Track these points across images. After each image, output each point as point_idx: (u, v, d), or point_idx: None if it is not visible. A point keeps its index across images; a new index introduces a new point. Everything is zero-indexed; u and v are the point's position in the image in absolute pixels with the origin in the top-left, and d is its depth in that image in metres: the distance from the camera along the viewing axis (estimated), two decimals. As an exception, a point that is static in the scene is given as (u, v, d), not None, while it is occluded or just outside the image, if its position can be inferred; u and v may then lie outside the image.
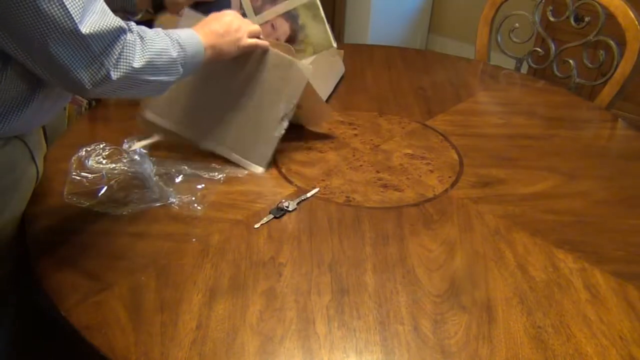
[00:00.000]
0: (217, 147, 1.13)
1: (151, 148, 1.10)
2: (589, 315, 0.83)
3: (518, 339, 0.78)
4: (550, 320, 0.82)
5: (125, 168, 1.05)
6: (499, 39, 1.76)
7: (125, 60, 0.81)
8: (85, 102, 1.82)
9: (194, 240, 0.93)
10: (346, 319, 0.80)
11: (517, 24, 1.68)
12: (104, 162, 1.06)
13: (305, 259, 0.90)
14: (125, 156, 1.06)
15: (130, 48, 0.81)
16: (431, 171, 1.15)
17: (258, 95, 1.12)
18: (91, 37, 0.76)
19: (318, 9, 1.17)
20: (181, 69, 0.91)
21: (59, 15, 0.73)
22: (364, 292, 0.85)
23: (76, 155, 1.06)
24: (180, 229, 0.95)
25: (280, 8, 1.18)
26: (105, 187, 1.01)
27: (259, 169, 1.11)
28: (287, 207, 1.01)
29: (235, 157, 1.12)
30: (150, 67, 0.85)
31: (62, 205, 0.98)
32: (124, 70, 0.81)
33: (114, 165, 1.06)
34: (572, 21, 1.64)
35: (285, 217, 0.99)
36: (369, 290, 0.85)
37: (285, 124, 1.11)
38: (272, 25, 1.20)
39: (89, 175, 1.03)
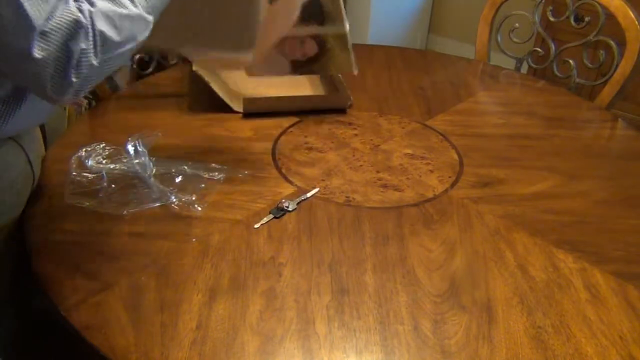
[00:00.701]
0: (197, 50, 1.12)
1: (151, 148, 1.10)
2: (589, 315, 0.83)
3: (518, 339, 0.78)
4: (550, 320, 0.82)
5: (125, 168, 1.05)
6: (499, 39, 1.76)
7: (85, 60, 0.72)
8: (85, 102, 1.82)
9: (194, 240, 0.93)
10: (346, 319, 0.80)
11: (517, 24, 1.68)
12: (104, 162, 1.06)
13: (305, 259, 0.90)
14: (125, 156, 1.06)
15: (88, 47, 0.71)
16: (431, 171, 1.15)
17: None
18: (51, 54, 0.69)
19: (347, 41, 1.19)
20: (151, 18, 0.79)
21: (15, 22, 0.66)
22: (364, 292, 0.85)
23: (76, 155, 1.06)
24: (180, 229, 0.95)
25: (312, 30, 1.20)
26: (106, 187, 1.01)
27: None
28: (287, 207, 1.01)
29: (218, 54, 1.11)
30: (108, 44, 0.73)
31: (62, 205, 0.98)
32: (86, 70, 0.72)
33: (114, 165, 1.06)
34: (572, 21, 1.64)
35: (285, 217, 0.99)
36: (369, 290, 0.85)
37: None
38: (301, 42, 1.22)
39: (89, 175, 1.03)
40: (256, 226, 0.97)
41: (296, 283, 0.86)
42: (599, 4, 1.54)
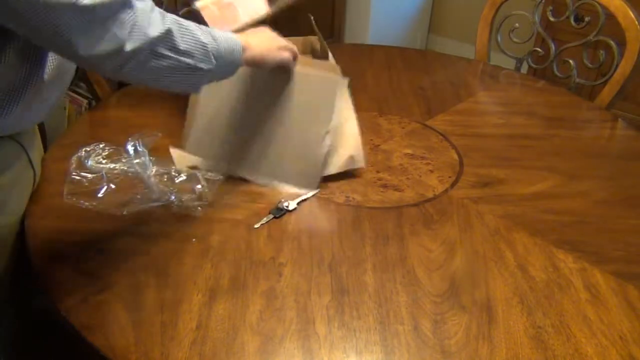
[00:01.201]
0: (259, 177, 1.09)
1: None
2: (589, 315, 0.83)
3: (518, 339, 0.78)
4: (550, 320, 0.82)
5: (125, 168, 1.05)
6: (499, 39, 1.76)
7: (139, 29, 0.75)
8: (85, 102, 1.82)
9: (194, 240, 0.93)
10: (346, 319, 0.80)
11: (517, 24, 1.68)
12: (104, 162, 1.06)
13: (305, 259, 0.90)
14: (125, 156, 1.06)
15: (144, 16, 0.76)
16: (431, 171, 1.15)
17: (294, 117, 1.08)
18: (97, 5, 0.71)
19: None
20: (214, 60, 0.86)
21: None
22: (364, 292, 0.85)
23: (76, 155, 1.06)
24: (180, 229, 0.95)
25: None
26: (105, 187, 1.01)
27: (310, 193, 1.05)
28: (287, 207, 1.01)
29: (281, 185, 1.07)
30: (170, 40, 0.80)
31: (62, 205, 0.98)
32: (140, 40, 0.76)
33: (114, 165, 1.06)
34: (572, 21, 1.64)
35: (285, 217, 0.99)
36: (369, 290, 0.85)
37: (328, 141, 1.06)
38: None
39: (89, 175, 1.03)
40: (256, 226, 0.97)
41: (296, 283, 0.86)
42: (599, 4, 1.54)
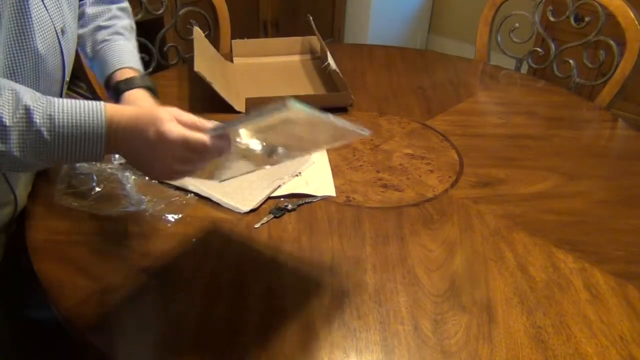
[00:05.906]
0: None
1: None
2: (589, 315, 0.83)
3: (518, 339, 0.78)
4: (550, 320, 0.82)
5: (114, 170, 1.05)
6: (499, 39, 1.76)
7: None
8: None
9: (194, 240, 0.93)
10: (346, 319, 0.80)
11: (517, 24, 1.68)
12: (94, 162, 1.06)
13: (305, 259, 0.90)
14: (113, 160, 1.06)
15: None
16: (431, 171, 1.15)
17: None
18: None
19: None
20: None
21: None
22: (364, 292, 0.85)
23: None
24: (179, 229, 0.95)
25: None
26: (95, 189, 1.01)
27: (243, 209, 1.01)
28: (287, 206, 1.01)
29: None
30: None
31: (62, 206, 0.98)
32: None
33: (104, 166, 1.06)
34: (572, 21, 1.64)
35: (285, 217, 0.99)
36: (369, 290, 0.85)
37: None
38: None
39: (79, 176, 1.03)
40: (256, 226, 0.97)
41: (297, 283, 0.86)
42: (599, 4, 1.54)
